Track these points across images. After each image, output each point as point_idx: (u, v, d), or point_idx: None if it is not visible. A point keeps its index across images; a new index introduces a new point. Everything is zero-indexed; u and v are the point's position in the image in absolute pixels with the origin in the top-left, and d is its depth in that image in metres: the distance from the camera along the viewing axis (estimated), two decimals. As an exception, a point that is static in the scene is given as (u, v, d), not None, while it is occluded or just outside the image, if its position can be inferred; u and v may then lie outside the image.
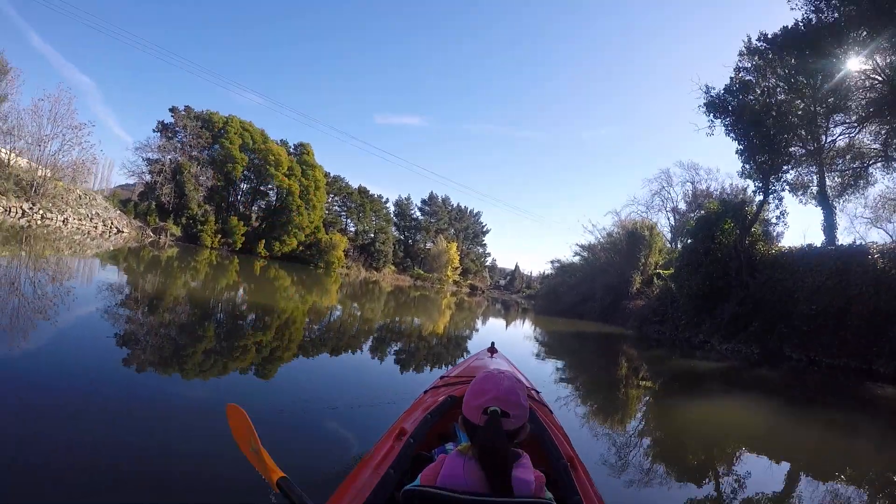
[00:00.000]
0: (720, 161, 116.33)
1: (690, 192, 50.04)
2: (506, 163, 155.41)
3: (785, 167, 26.03)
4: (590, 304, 40.26)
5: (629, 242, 39.62)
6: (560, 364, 14.33)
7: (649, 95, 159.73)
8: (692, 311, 26.98)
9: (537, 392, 4.12)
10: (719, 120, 26.51)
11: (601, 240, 45.42)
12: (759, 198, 26.49)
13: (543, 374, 11.07)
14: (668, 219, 49.72)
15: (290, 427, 5.14)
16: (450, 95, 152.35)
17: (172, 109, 50.43)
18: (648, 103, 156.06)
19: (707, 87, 26.69)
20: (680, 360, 19.01)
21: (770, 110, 24.63)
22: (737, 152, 26.46)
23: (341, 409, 6.10)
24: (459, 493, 1.57)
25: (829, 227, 26.01)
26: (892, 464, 7.31)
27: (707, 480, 5.73)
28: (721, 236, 26.42)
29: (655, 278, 36.57)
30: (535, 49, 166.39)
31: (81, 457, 3.67)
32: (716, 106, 26.36)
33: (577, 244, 48.37)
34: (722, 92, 26.23)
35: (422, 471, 1.78)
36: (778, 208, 26.41)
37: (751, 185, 27.34)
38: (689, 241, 29.39)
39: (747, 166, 26.37)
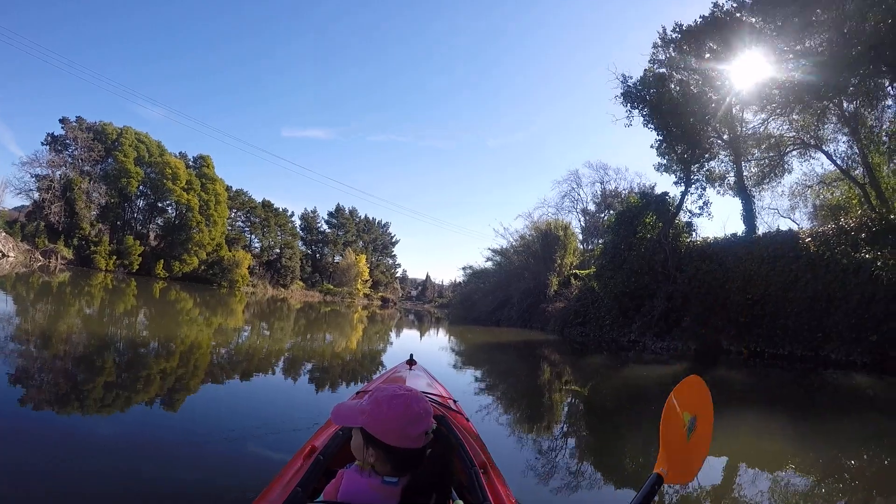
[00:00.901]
0: (628, 160, 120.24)
1: (599, 192, 51.86)
2: (413, 173, 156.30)
3: (705, 156, 26.68)
4: (506, 309, 39.98)
5: (543, 244, 39.62)
6: (479, 373, 14.46)
7: (555, 98, 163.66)
8: (618, 310, 26.46)
9: (454, 401, 4.24)
10: (637, 110, 26.67)
11: (514, 243, 45.38)
12: (680, 189, 26.83)
13: (462, 384, 11.21)
14: (579, 220, 51.12)
15: (201, 455, 5.04)
16: (356, 108, 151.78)
17: (63, 120, 48.32)
18: (554, 107, 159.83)
19: (624, 76, 26.72)
20: (609, 362, 18.98)
21: (687, 101, 25.00)
22: (653, 146, 27.23)
23: (255, 433, 5.97)
24: None
25: (749, 217, 26.35)
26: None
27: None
28: (643, 230, 26.22)
29: (573, 279, 36.44)
30: (437, 58, 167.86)
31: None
32: (633, 96, 26.41)
33: (490, 248, 48.50)
34: (638, 83, 26.30)
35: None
36: (701, 198, 26.76)
37: (664, 180, 28.82)
38: (610, 237, 28.86)
39: (665, 158, 27.01)
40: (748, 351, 19.80)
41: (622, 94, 26.75)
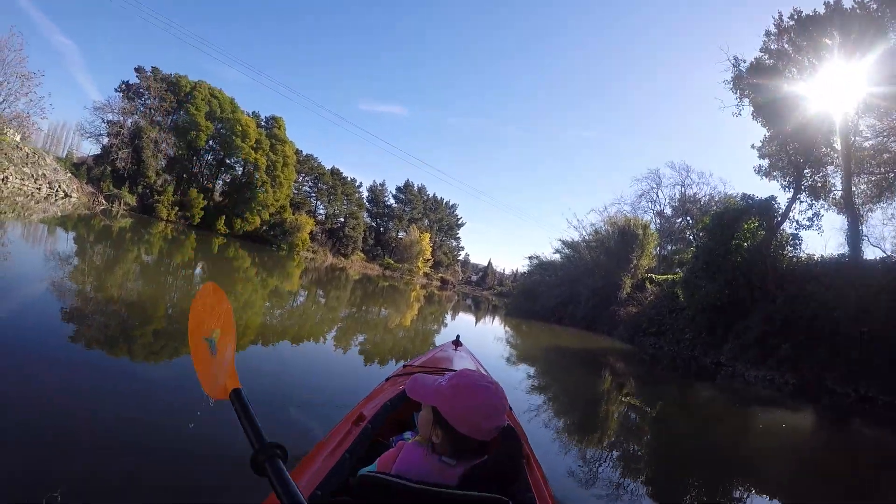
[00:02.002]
0: (714, 166, 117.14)
1: (678, 195, 50.22)
2: (486, 158, 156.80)
3: (821, 161, 24.00)
4: (571, 307, 37.65)
5: (620, 241, 37.28)
6: (530, 371, 14.32)
7: (639, 96, 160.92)
8: (705, 324, 23.83)
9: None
10: (747, 100, 24.56)
11: (587, 237, 42.87)
12: (787, 195, 24.34)
13: (506, 376, 11.11)
14: (655, 222, 48.73)
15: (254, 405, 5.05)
16: (436, 86, 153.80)
17: (138, 69, 49.47)
18: (639, 104, 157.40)
19: (736, 59, 24.63)
20: (694, 387, 16.76)
21: (801, 98, 22.97)
22: (754, 146, 25.36)
23: (300, 395, 6.13)
24: (414, 482, 1.61)
25: (854, 238, 23.17)
26: None
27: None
28: (741, 238, 23.50)
29: (648, 283, 34.65)
30: (523, 43, 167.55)
31: (37, 442, 3.58)
32: (745, 82, 24.22)
33: (560, 240, 45.67)
34: (750, 69, 24.03)
35: (378, 457, 1.90)
36: (811, 207, 24.10)
37: (760, 187, 25.86)
38: (704, 240, 25.87)
39: (769, 160, 25.02)
40: (856, 394, 16.98)
41: (733, 78, 24.75)
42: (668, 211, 49.05)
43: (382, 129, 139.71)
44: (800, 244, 23.87)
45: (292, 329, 11.54)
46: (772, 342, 20.19)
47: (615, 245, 37.46)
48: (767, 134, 24.86)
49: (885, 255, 22.23)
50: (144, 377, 5.74)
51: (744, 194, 24.76)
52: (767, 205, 23.64)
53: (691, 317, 25.19)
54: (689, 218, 48.54)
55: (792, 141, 23.60)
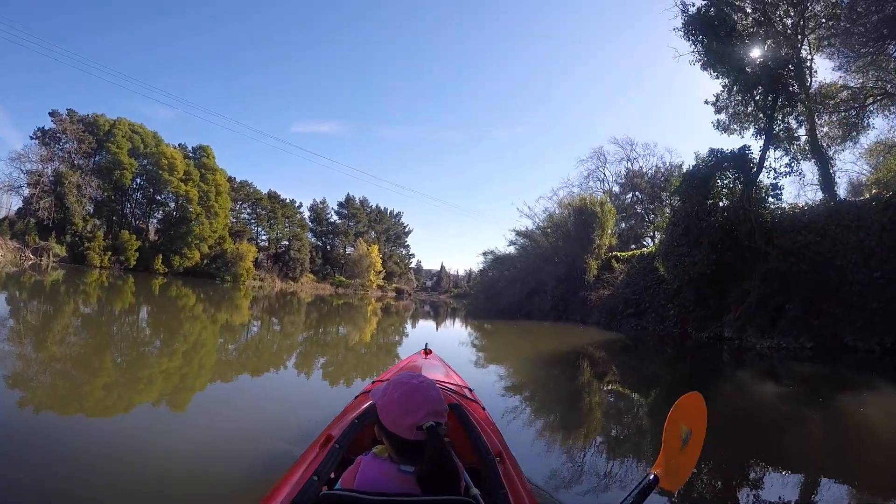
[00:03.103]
0: (656, 137, 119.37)
1: (623, 172, 51.00)
2: (424, 165, 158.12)
3: (788, 102, 22.17)
4: (538, 298, 36.57)
5: (578, 223, 36.15)
6: (502, 371, 14.34)
7: (565, 79, 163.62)
8: (692, 296, 22.64)
9: (470, 389, 4.47)
10: (700, 45, 22.47)
11: (541, 224, 41.56)
12: (758, 144, 22.53)
13: (478, 375, 11.14)
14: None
15: (213, 452, 5.10)
16: (364, 101, 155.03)
17: (52, 113, 48.51)
18: (565, 88, 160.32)
19: (683, 3, 22.66)
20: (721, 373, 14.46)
21: (759, 37, 21.97)
22: (709, 101, 24.25)
23: (269, 427, 6.06)
24: (373, 494, 1.67)
25: (828, 183, 23.29)
26: None
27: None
28: (714, 196, 22.29)
29: (614, 262, 33.59)
30: (443, 50, 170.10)
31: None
32: (697, 25, 22.18)
33: (514, 230, 44.16)
34: (702, 9, 21.97)
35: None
36: (787, 153, 22.51)
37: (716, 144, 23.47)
38: (679, 204, 23.55)
39: (730, 110, 24.08)
40: (881, 348, 15.55)
41: (683, 23, 22.68)
42: (616, 189, 49.86)
43: (317, 147, 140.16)
44: (781, 193, 22.33)
45: (251, 362, 11.41)
46: (773, 304, 19.04)
47: (573, 227, 36.71)
48: (725, 84, 23.49)
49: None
50: (100, 432, 5.61)
51: (711, 149, 22.87)
52: (742, 156, 22.09)
53: (674, 290, 24.20)
54: (637, 193, 49.42)
55: (758, 83, 21.81)
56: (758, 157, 22.01)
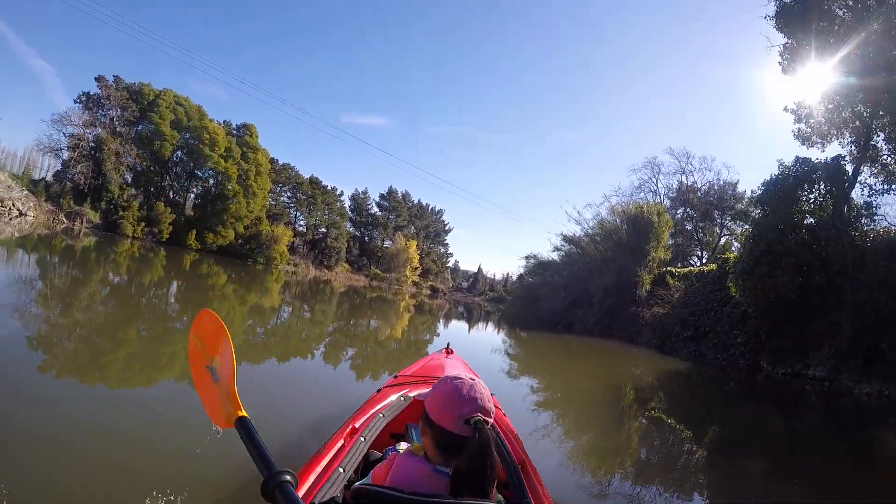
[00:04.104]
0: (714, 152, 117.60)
1: (675, 186, 50.04)
2: (469, 164, 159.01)
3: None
4: (581, 310, 34.55)
5: (632, 232, 33.99)
6: (525, 378, 14.15)
7: (618, 91, 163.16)
8: (769, 325, 19.89)
9: (492, 394, 4.25)
10: (795, 36, 20.66)
11: (591, 230, 39.82)
12: (851, 155, 20.49)
13: (503, 384, 11.02)
14: None
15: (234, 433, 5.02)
16: (416, 97, 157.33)
17: (98, 79, 48.81)
18: (621, 99, 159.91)
19: None
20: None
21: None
22: (787, 108, 22.05)
23: (292, 411, 6.18)
24: (407, 493, 1.66)
25: None
26: None
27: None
28: (803, 212, 19.84)
29: (669, 278, 31.64)
30: (499, 52, 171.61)
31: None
32: (793, 13, 20.27)
33: (561, 234, 42.51)
34: None
35: (372, 469, 2.03)
36: (886, 170, 20.25)
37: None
38: (760, 216, 21.02)
39: (807, 122, 21.79)
40: None
41: (778, 9, 20.87)
42: (667, 202, 47.77)
43: (364, 138, 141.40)
44: (876, 213, 19.78)
45: (278, 346, 11.45)
46: (866, 342, 16.70)
47: (627, 236, 34.41)
48: (814, 88, 21.22)
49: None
50: (120, 404, 5.60)
51: (799, 157, 20.34)
52: (835, 167, 19.63)
53: (741, 315, 21.80)
54: (688, 209, 48.53)
55: (857, 89, 19.42)
56: (851, 171, 20.08)
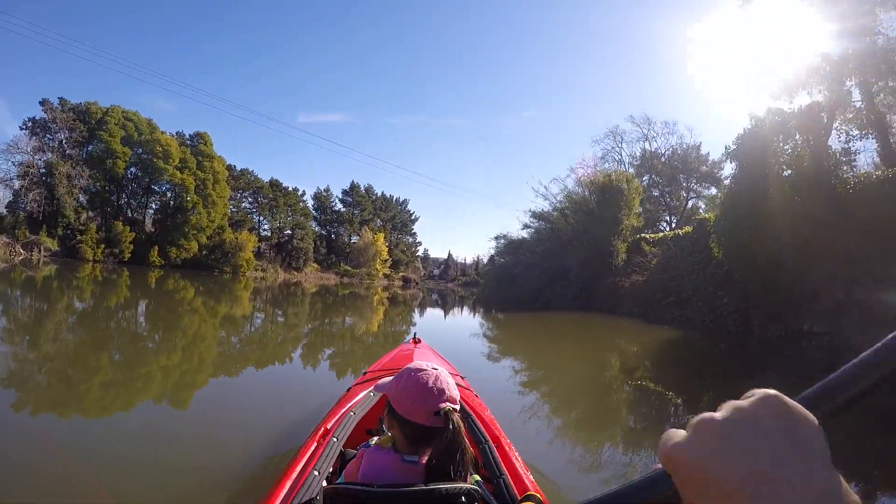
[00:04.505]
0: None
1: (638, 153, 50.36)
2: (430, 152, 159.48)
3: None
4: (558, 286, 34.21)
5: (602, 201, 34.06)
6: (489, 348, 14.28)
7: (577, 60, 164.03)
8: (758, 282, 18.98)
9: (462, 377, 4.67)
10: None
11: (559, 205, 39.99)
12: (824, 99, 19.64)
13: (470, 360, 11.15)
14: None
15: (216, 447, 5.22)
16: (372, 91, 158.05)
17: (43, 102, 48.18)
18: (577, 70, 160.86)
19: None
20: None
21: None
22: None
23: (273, 417, 6.27)
24: (378, 486, 1.72)
25: (889, 153, 19.93)
26: None
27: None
28: (780, 163, 18.95)
29: (644, 244, 32.08)
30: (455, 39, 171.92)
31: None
32: None
33: (530, 211, 42.50)
34: None
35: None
36: (860, 114, 20.02)
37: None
38: (737, 169, 20.76)
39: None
40: None
41: None
42: (632, 171, 47.84)
43: (323, 136, 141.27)
44: (856, 159, 19.77)
45: (254, 355, 11.46)
46: (861, 292, 16.23)
47: (597, 206, 34.52)
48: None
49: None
50: (99, 433, 5.62)
51: (769, 108, 19.78)
52: (810, 114, 19.12)
53: (724, 275, 21.20)
54: (654, 175, 48.91)
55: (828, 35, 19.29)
56: (826, 118, 19.55)
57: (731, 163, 21.76)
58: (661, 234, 33.22)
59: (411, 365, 1.99)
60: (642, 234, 34.16)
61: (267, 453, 4.94)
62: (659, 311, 24.55)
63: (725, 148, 21.44)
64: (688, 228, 30.52)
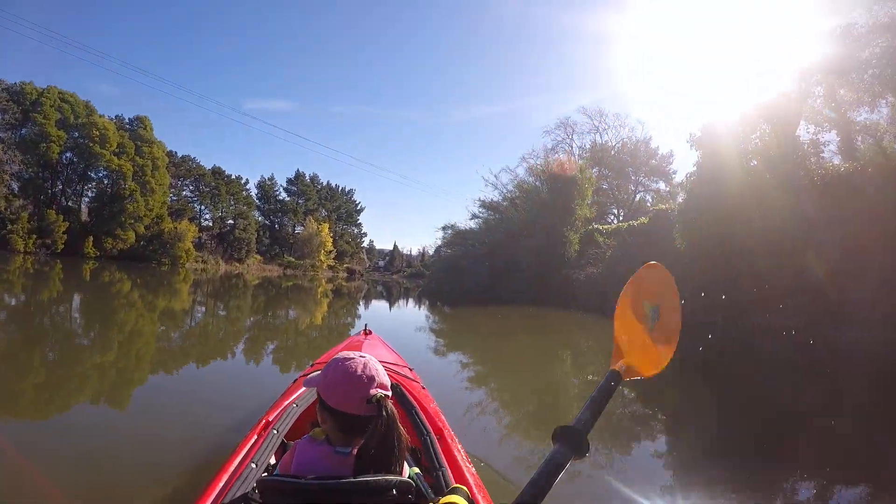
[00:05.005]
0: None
1: (588, 146, 50.90)
2: (377, 142, 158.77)
3: None
4: (510, 279, 33.13)
5: (554, 191, 33.84)
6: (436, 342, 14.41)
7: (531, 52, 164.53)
8: (725, 276, 18.15)
9: (410, 368, 4.81)
10: None
11: (509, 194, 40.01)
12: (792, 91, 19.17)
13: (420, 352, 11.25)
14: None
15: (156, 444, 5.21)
16: (318, 78, 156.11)
17: (-28, 83, 46.43)
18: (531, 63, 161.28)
19: None
20: None
21: None
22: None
23: (215, 413, 6.27)
24: (309, 478, 1.68)
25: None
26: None
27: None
28: (747, 151, 18.83)
29: (597, 235, 31.89)
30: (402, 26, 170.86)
31: None
32: None
33: (479, 199, 42.16)
34: None
35: None
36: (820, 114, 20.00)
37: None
38: (700, 156, 20.46)
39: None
40: None
41: None
42: (581, 163, 48.48)
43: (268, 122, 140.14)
44: (825, 147, 19.71)
45: (194, 350, 11.34)
46: (838, 286, 15.63)
47: (549, 195, 34.32)
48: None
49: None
50: (33, 434, 5.54)
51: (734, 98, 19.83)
52: (777, 104, 18.92)
53: (684, 267, 19.00)
54: (603, 168, 49.50)
55: None
56: (793, 110, 19.19)
57: (695, 150, 21.26)
58: (614, 226, 33.21)
59: (339, 355, 1.97)
60: (595, 226, 34.04)
61: (208, 448, 4.94)
62: (612, 304, 22.92)
63: (690, 135, 21.25)
64: (643, 219, 30.70)
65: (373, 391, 1.80)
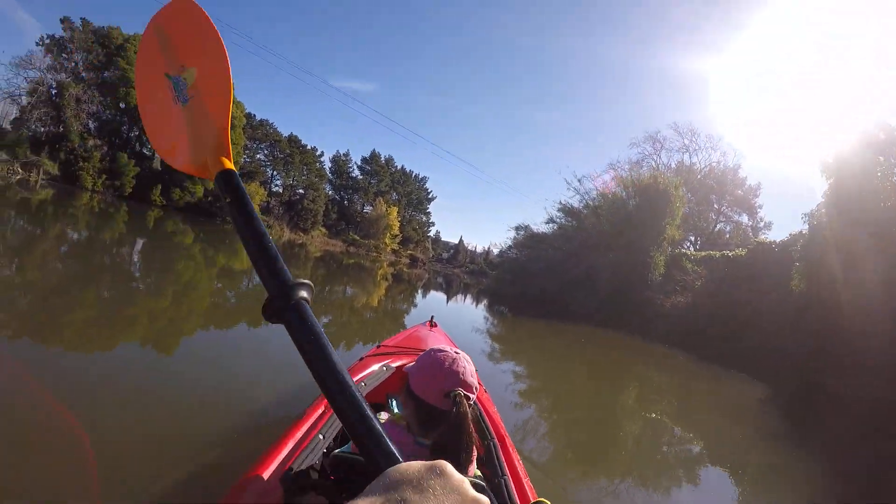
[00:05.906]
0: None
1: (674, 165, 49.39)
2: (457, 135, 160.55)
3: None
4: (581, 293, 30.63)
5: (643, 205, 31.35)
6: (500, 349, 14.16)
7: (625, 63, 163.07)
8: (841, 334, 15.27)
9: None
10: None
11: (592, 202, 37.08)
12: None
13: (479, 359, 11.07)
14: None
15: (207, 396, 5.22)
16: (406, 65, 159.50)
17: (64, 20, 47.54)
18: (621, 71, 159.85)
19: None
20: None
21: None
22: None
23: (268, 377, 6.30)
24: None
25: None
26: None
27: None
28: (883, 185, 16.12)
29: (686, 261, 29.62)
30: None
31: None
32: None
33: (560, 202, 39.61)
34: None
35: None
36: None
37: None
38: (837, 184, 17.56)
39: None
40: None
41: None
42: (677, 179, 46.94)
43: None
44: None
45: (250, 312, 11.33)
46: None
47: (636, 209, 31.75)
48: None
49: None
50: (77, 366, 5.49)
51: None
52: None
53: (796, 312, 17.68)
54: (687, 191, 48.21)
55: None
56: None
57: (827, 179, 18.29)
58: (704, 253, 31.15)
59: (434, 346, 2.03)
60: (682, 249, 32.48)
61: (266, 410, 4.98)
62: (701, 341, 20.98)
63: (821, 162, 18.20)
64: (740, 251, 28.10)
65: (453, 387, 1.85)
